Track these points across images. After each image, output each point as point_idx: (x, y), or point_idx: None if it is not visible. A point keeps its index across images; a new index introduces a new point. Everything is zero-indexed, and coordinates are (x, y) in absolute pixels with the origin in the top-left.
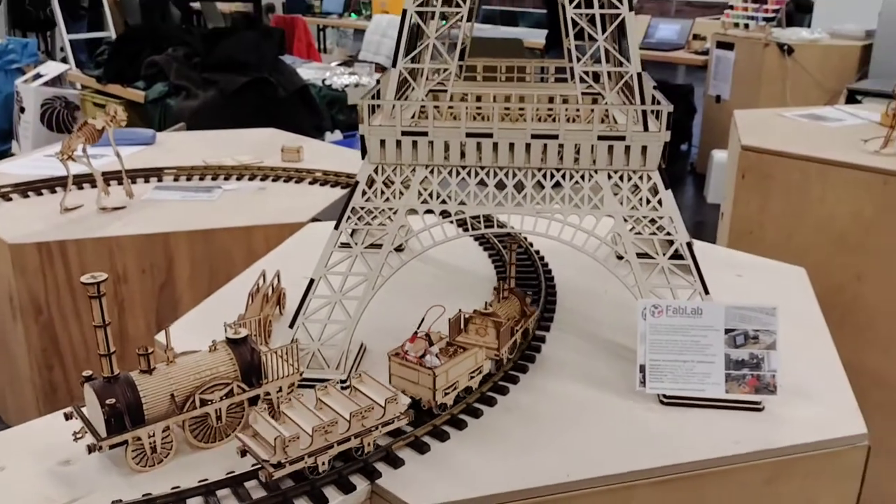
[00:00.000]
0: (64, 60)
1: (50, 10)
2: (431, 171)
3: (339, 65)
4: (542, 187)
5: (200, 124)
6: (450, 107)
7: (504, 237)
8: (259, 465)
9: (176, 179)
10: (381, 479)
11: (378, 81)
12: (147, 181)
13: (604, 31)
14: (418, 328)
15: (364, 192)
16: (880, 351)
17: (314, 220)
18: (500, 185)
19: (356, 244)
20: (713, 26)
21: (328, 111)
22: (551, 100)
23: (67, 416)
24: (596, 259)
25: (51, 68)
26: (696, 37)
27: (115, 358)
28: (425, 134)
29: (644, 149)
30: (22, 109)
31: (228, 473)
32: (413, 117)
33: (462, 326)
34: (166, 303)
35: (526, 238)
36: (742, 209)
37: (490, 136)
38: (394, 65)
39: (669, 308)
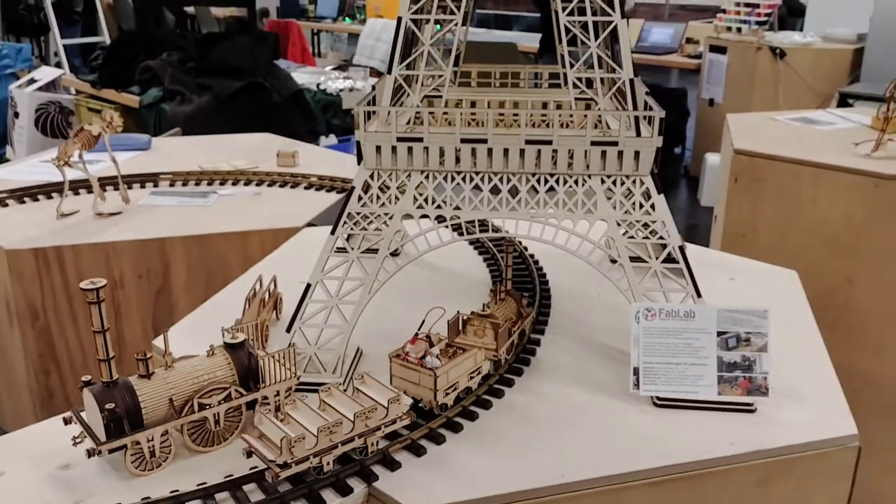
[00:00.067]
0: (58, 65)
1: (44, 15)
2: (427, 177)
3: (334, 69)
4: (537, 192)
5: (195, 129)
6: (445, 113)
7: (499, 241)
8: (257, 468)
9: (172, 185)
10: (378, 481)
11: (373, 87)
12: (143, 186)
13: (596, 37)
14: (419, 330)
15: (360, 198)
16: (871, 353)
17: (310, 224)
18: (495, 190)
19: (352, 249)
20: (706, 30)
21: (323, 115)
22: (545, 105)
23: (66, 421)
24: (589, 263)
25: (45, 73)
26: (689, 40)
27: (114, 363)
28: (420, 140)
29: (637, 154)
30: (16, 115)
31: (227, 477)
32: (408, 123)
33: (460, 328)
34: (163, 308)
35: (521, 242)
36: (735, 212)
37: (485, 141)
38: (389, 71)
39: (662, 311)
